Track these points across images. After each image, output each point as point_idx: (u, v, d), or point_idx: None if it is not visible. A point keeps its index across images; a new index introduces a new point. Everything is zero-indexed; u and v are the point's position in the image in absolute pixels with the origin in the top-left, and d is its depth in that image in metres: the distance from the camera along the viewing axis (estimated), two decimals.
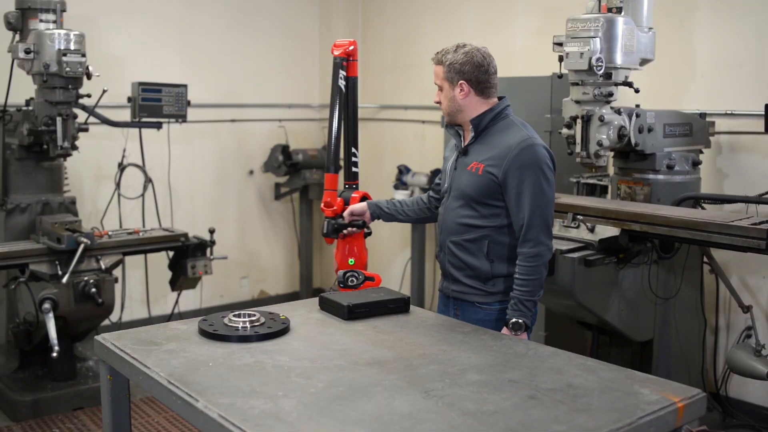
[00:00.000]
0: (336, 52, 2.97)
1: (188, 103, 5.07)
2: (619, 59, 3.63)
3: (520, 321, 2.67)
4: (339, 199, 2.99)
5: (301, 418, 1.73)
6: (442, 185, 2.96)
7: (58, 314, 4.01)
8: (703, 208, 3.92)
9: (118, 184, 5.30)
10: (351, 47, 2.99)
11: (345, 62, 2.98)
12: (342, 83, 2.98)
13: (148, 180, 5.33)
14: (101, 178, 5.54)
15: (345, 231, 2.98)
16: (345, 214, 2.98)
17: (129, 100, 4.96)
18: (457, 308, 2.85)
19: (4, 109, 4.42)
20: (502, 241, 2.75)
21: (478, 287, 2.78)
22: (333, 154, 2.96)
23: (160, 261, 5.23)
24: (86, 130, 4.47)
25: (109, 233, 4.46)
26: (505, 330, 2.69)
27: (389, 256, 6.36)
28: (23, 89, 4.40)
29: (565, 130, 3.81)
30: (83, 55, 4.18)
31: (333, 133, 2.98)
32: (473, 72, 2.73)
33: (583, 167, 3.83)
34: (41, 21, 4.24)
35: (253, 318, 2.34)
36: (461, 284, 2.82)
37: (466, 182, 2.78)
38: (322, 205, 2.97)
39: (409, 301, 2.63)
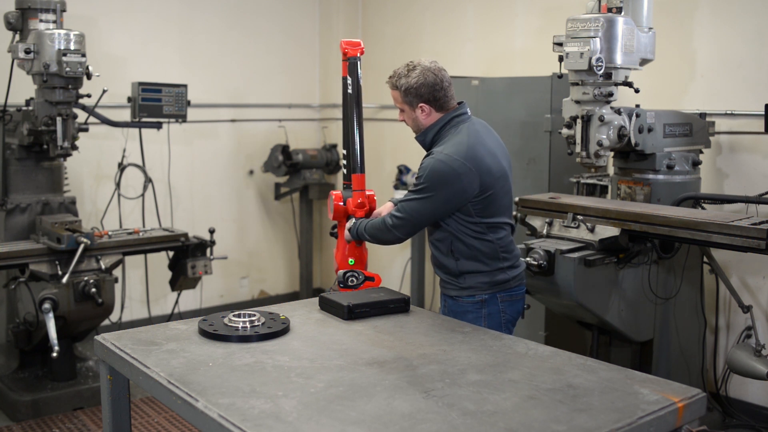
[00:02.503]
0: (352, 51, 2.99)
1: (188, 103, 5.07)
2: (619, 59, 3.64)
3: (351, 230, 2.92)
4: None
5: (301, 418, 1.73)
6: None
7: (58, 314, 4.01)
8: (703, 208, 3.92)
9: (118, 184, 5.30)
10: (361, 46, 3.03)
11: (359, 61, 3.01)
12: (361, 82, 3.01)
13: (148, 180, 5.33)
14: (101, 178, 5.55)
15: None
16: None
17: (129, 100, 4.96)
18: (445, 301, 3.01)
19: (4, 109, 4.42)
20: (465, 241, 2.85)
21: (451, 282, 2.93)
22: (359, 155, 3.02)
23: (160, 261, 5.23)
24: (86, 130, 4.47)
25: (109, 233, 4.46)
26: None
27: (389, 256, 6.36)
28: (23, 89, 4.40)
29: (565, 130, 3.81)
30: (83, 55, 4.18)
31: (355, 133, 3.01)
32: (430, 93, 2.83)
33: (583, 167, 3.83)
34: (41, 21, 4.24)
35: (253, 318, 2.35)
36: (441, 279, 3.00)
37: None
38: (354, 206, 2.96)
39: (409, 301, 2.63)
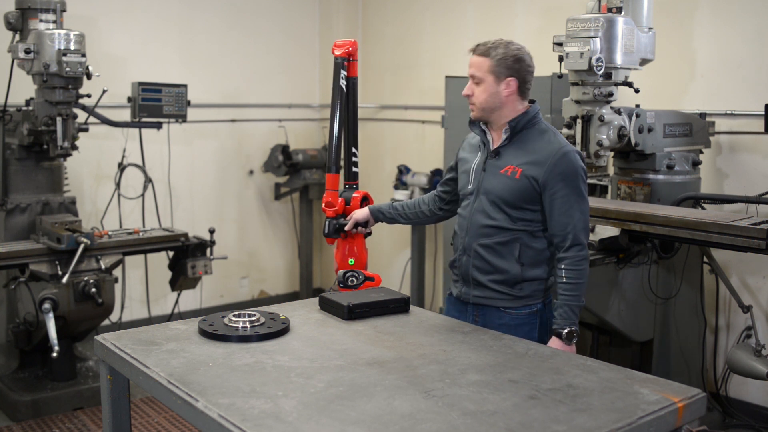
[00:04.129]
0: (337, 52, 2.95)
1: (188, 103, 5.07)
2: (619, 59, 3.64)
3: (572, 329, 2.61)
4: (340, 199, 2.99)
5: (301, 418, 1.73)
6: (462, 186, 2.85)
7: (58, 314, 4.01)
8: (703, 208, 3.92)
9: (118, 184, 5.30)
10: (351, 47, 2.97)
11: (346, 62, 2.96)
12: (343, 83, 2.96)
13: (148, 180, 5.33)
14: (101, 178, 5.55)
15: (346, 230, 2.99)
16: (349, 224, 2.98)
17: (129, 100, 4.96)
18: (477, 313, 2.77)
19: (4, 109, 4.42)
20: (534, 245, 2.70)
21: (504, 291, 2.71)
22: (334, 155, 2.95)
23: (160, 261, 5.23)
24: (86, 130, 4.47)
25: (109, 233, 4.46)
26: (556, 341, 2.61)
27: (389, 256, 6.36)
28: (23, 89, 4.40)
29: (565, 130, 3.81)
30: (83, 55, 4.18)
31: (334, 133, 2.96)
32: (522, 71, 2.68)
33: None
34: (41, 21, 4.24)
35: (253, 318, 2.34)
36: (486, 289, 2.74)
37: (500, 185, 2.70)
38: (323, 205, 2.96)
39: (409, 301, 2.62)
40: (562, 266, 2.64)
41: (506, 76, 2.67)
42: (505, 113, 2.72)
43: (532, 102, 2.78)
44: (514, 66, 2.67)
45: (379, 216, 3.05)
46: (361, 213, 3.00)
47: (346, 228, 2.98)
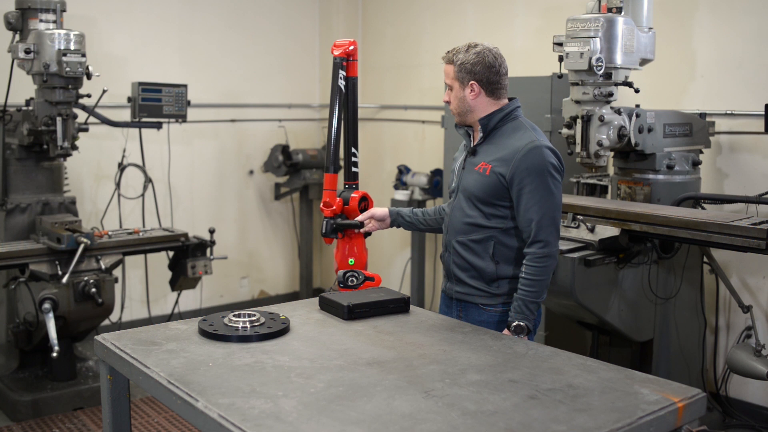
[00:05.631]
0: (336, 52, 2.95)
1: (188, 103, 5.07)
2: (619, 59, 3.64)
3: (522, 324, 2.65)
4: (338, 199, 2.98)
5: (301, 418, 1.73)
6: (449, 185, 2.94)
7: (58, 314, 4.01)
8: (703, 208, 3.92)
9: (118, 184, 5.30)
10: (351, 47, 2.97)
11: (345, 62, 2.96)
12: (342, 83, 2.96)
13: (148, 180, 5.33)
14: (101, 178, 5.55)
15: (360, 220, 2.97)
16: (364, 215, 2.96)
17: (129, 100, 4.96)
18: (460, 309, 2.84)
19: (4, 109, 4.42)
20: (509, 243, 2.73)
21: (482, 289, 2.77)
22: (333, 154, 2.94)
23: (160, 261, 5.23)
24: (86, 130, 4.47)
25: (109, 233, 4.46)
26: (506, 332, 2.67)
27: (389, 256, 6.36)
28: (23, 89, 4.40)
29: (565, 130, 3.81)
30: (83, 55, 4.18)
31: (333, 133, 2.97)
32: (484, 72, 2.72)
33: (583, 167, 3.83)
34: (41, 21, 4.24)
35: (253, 318, 2.34)
36: (465, 285, 2.81)
37: (473, 182, 2.76)
38: (321, 205, 2.96)
39: (409, 301, 2.62)
40: (524, 261, 2.69)
41: (469, 80, 2.74)
42: (477, 115, 2.77)
43: (512, 99, 2.82)
44: (474, 69, 2.72)
45: (398, 219, 3.06)
46: (380, 210, 3.01)
47: (360, 218, 2.95)
